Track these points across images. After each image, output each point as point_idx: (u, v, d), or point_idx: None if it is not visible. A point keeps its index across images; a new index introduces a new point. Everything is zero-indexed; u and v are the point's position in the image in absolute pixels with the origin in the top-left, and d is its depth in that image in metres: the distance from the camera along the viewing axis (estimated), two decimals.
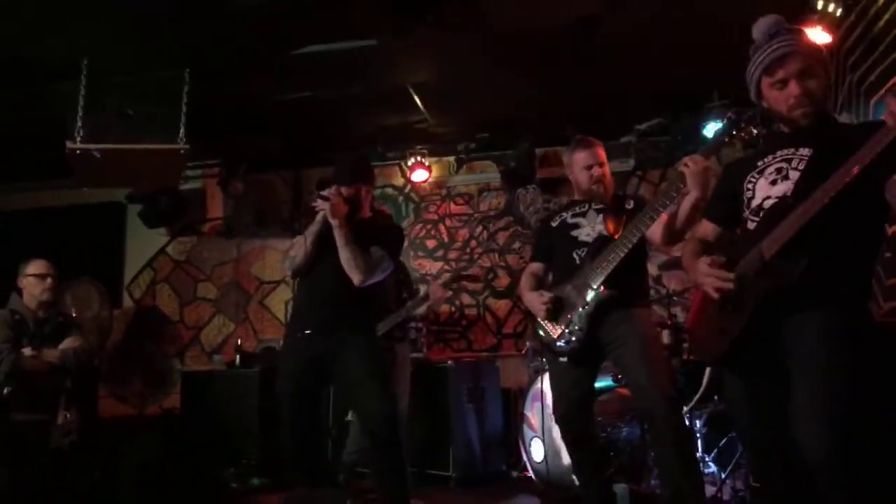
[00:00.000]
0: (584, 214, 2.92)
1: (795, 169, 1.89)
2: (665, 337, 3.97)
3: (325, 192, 2.90)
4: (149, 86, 3.99)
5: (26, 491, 3.15)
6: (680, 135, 5.05)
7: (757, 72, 1.95)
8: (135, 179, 4.89)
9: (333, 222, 2.85)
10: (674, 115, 4.88)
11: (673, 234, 2.62)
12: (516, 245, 5.53)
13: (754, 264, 1.84)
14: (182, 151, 4.00)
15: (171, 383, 5.80)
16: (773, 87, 1.92)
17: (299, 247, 2.95)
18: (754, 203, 1.97)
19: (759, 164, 2.00)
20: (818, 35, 3.32)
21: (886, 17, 2.96)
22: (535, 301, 2.84)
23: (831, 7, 3.37)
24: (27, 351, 3.52)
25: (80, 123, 3.86)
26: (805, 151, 1.89)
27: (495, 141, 5.39)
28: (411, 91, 4.53)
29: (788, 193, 1.86)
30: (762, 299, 1.82)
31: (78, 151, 3.88)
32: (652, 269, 4.97)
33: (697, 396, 3.40)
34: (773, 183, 1.92)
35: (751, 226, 1.98)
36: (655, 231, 2.65)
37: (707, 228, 2.21)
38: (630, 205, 2.84)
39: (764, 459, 1.98)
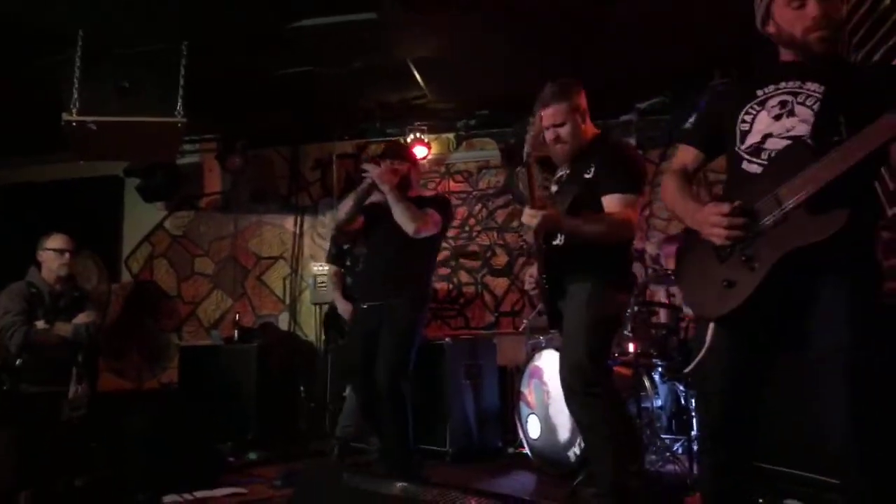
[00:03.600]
0: (558, 183, 2.83)
1: (804, 105, 1.71)
2: (663, 316, 3.99)
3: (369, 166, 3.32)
4: (146, 58, 3.95)
5: (35, 462, 3.18)
6: (681, 114, 5.03)
7: None
8: (132, 152, 4.84)
9: (384, 188, 3.22)
10: (675, 93, 4.85)
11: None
12: (515, 223, 5.52)
13: (772, 213, 1.65)
14: (179, 125, 3.96)
15: (169, 358, 5.83)
16: (788, 6, 1.74)
17: (344, 204, 3.43)
18: (751, 139, 1.78)
19: (760, 93, 1.80)
20: None
21: None
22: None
23: None
24: (40, 324, 3.58)
25: (76, 95, 3.81)
26: (814, 87, 1.71)
27: (495, 118, 5.37)
28: (411, 66, 4.48)
29: (804, 134, 1.67)
30: (784, 255, 1.62)
31: (74, 124, 3.84)
32: (651, 249, 5.02)
33: (694, 363, 3.43)
34: (777, 118, 1.74)
35: (749, 167, 1.77)
36: None
37: (687, 155, 1.97)
38: (590, 173, 2.62)
39: (720, 432, 1.81)
